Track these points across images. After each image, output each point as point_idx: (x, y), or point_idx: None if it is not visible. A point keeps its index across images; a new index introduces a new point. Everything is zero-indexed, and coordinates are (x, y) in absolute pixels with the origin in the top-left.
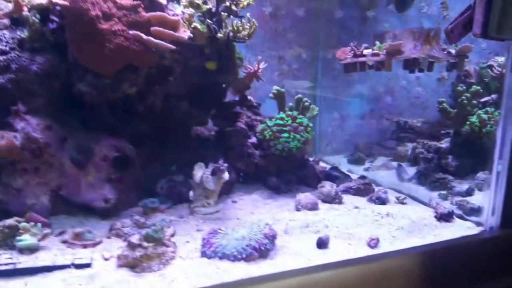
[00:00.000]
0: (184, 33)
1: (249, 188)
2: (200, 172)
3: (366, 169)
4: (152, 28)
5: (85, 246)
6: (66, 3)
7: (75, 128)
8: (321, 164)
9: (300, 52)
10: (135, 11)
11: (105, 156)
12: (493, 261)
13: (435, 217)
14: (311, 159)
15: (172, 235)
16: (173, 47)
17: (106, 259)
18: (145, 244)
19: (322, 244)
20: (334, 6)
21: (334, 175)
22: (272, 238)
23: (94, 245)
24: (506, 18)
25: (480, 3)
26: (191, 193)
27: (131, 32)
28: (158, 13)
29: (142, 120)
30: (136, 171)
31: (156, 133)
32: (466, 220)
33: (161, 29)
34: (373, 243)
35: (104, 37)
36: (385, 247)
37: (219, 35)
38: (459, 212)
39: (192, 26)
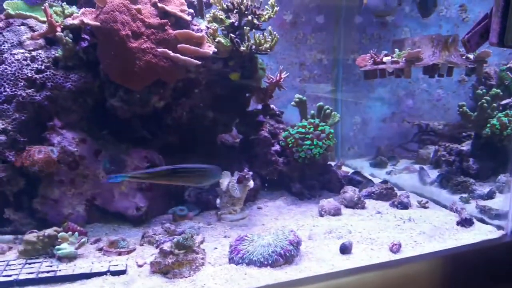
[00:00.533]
0: (209, 48)
1: (273, 194)
2: (226, 180)
3: (389, 173)
4: (179, 46)
5: (120, 254)
6: (97, 23)
7: (107, 141)
8: (344, 168)
9: (321, 57)
10: (163, 29)
11: (136, 166)
12: None
13: (457, 222)
14: (333, 163)
15: (201, 242)
16: (199, 62)
17: (140, 266)
18: (176, 251)
19: (345, 249)
20: (353, 12)
21: (357, 180)
22: (296, 244)
23: (128, 252)
24: None
25: (497, 12)
26: (218, 201)
27: (159, 49)
28: (184, 30)
29: (170, 131)
30: None
31: (183, 143)
32: (487, 224)
33: (187, 46)
34: (395, 248)
35: (134, 55)
36: (407, 252)
37: (242, 48)
38: (480, 216)
39: (216, 40)
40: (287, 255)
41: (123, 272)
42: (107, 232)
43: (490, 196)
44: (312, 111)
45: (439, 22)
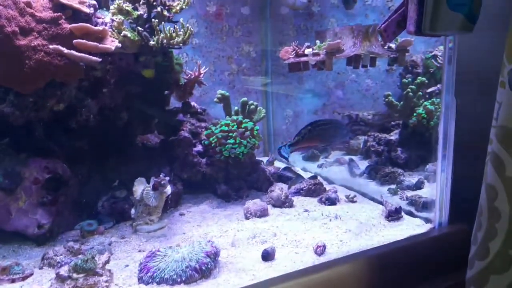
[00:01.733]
0: (112, 43)
1: (198, 198)
2: (140, 187)
3: (320, 166)
4: (75, 41)
5: (13, 281)
6: None
7: (3, 151)
8: (276, 163)
9: (249, 50)
10: (56, 24)
11: (36, 178)
12: (443, 258)
13: (384, 216)
14: (266, 159)
15: (107, 262)
16: (98, 59)
17: None
18: (75, 275)
19: (267, 256)
20: (279, 2)
21: (287, 176)
22: (214, 255)
23: (24, 278)
24: (438, 15)
25: (413, 0)
26: (132, 211)
27: (51, 46)
28: (81, 24)
29: (76, 137)
30: (73, 191)
31: (95, 148)
32: (415, 216)
33: (83, 41)
34: (320, 250)
35: (23, 54)
36: (332, 253)
37: (152, 42)
38: (408, 208)
39: (122, 34)
40: (203, 269)
41: None
42: (5, 254)
43: (418, 186)
44: (236, 107)
45: (366, 12)
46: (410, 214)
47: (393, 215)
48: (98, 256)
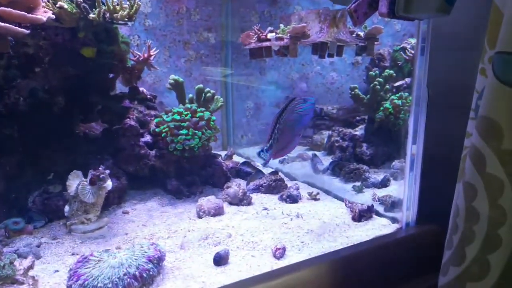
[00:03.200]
0: (44, 14)
1: (145, 194)
2: (75, 181)
3: (281, 161)
4: None
5: None
6: None
7: None
8: (235, 158)
9: (208, 36)
10: None
11: None
12: (411, 261)
13: (353, 218)
14: (224, 153)
15: (30, 267)
16: (25, 31)
17: None
18: None
19: (220, 260)
20: None
21: (245, 171)
22: (158, 260)
23: None
24: None
25: None
26: (66, 208)
27: None
28: None
29: (4, 122)
30: (0, 184)
31: (27, 136)
32: (381, 216)
33: (8, 9)
34: (279, 253)
35: None
36: (292, 256)
37: (92, 15)
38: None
39: (57, 5)
40: (143, 277)
41: None
42: None
43: (384, 184)
44: (191, 95)
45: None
46: (376, 213)
47: (365, 214)
48: (20, 260)
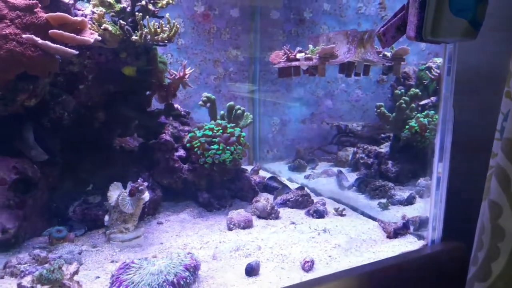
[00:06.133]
0: (90, 36)
1: (177, 206)
2: (116, 192)
3: (307, 177)
4: (50, 31)
5: None
6: None
7: None
8: (262, 173)
9: (237, 54)
10: (31, 12)
11: (2, 179)
12: (436, 277)
13: (388, 237)
14: (250, 167)
15: (76, 273)
16: (74, 51)
17: None
18: (38, 287)
19: (251, 271)
20: (269, 6)
21: (272, 186)
22: (194, 269)
23: None
24: (441, 20)
25: (414, 4)
26: (106, 218)
27: (24, 36)
28: (58, 13)
29: (49, 135)
30: (43, 194)
31: (69, 148)
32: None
33: (59, 31)
34: (308, 266)
35: None
36: (320, 269)
37: (134, 37)
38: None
39: (102, 27)
40: (181, 284)
41: None
42: None
43: (410, 201)
44: (222, 112)
45: (358, 20)
46: None
47: (401, 231)
48: (66, 266)
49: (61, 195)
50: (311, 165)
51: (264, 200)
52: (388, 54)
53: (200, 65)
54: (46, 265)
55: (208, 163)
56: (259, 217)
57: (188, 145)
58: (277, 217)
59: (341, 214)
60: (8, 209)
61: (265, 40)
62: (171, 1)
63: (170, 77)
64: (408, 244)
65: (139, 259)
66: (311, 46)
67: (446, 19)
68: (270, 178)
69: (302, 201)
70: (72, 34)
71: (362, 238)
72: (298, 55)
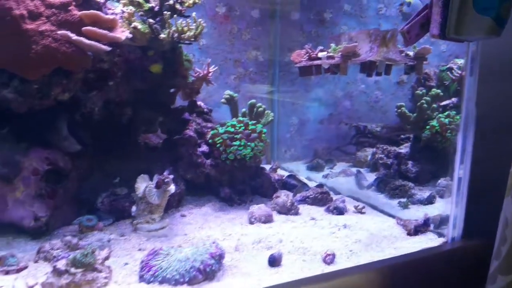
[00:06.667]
0: (122, 34)
1: (200, 200)
2: (143, 184)
3: (325, 176)
4: (84, 28)
5: (7, 272)
6: None
7: (2, 139)
8: (279, 171)
9: (257, 54)
10: (66, 10)
11: (35, 169)
12: (456, 273)
13: (409, 234)
14: (269, 166)
15: (107, 258)
16: (107, 48)
17: (30, 287)
18: (72, 270)
19: (274, 261)
20: (289, 7)
21: (291, 184)
22: (219, 257)
23: (18, 270)
24: (464, 18)
25: (437, 2)
26: (133, 208)
27: (59, 32)
28: (91, 11)
29: (80, 129)
30: (73, 185)
31: (97, 142)
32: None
33: (93, 28)
34: (329, 259)
35: (30, 38)
36: (341, 262)
37: (162, 36)
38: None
39: (132, 26)
40: (207, 271)
41: None
42: None
43: (430, 201)
44: (244, 109)
45: (379, 21)
46: None
47: (421, 228)
48: (98, 251)
49: (90, 186)
50: (329, 165)
51: (285, 196)
52: (411, 53)
53: (221, 65)
54: (81, 250)
55: (230, 160)
56: (279, 212)
57: (210, 141)
58: (297, 213)
59: (360, 211)
60: (40, 198)
61: (285, 40)
62: (197, 1)
63: (195, 75)
64: (429, 241)
65: (167, 247)
66: (333, 45)
67: (470, 17)
68: (289, 176)
69: (322, 199)
70: (104, 31)
71: (382, 234)
72: (320, 54)
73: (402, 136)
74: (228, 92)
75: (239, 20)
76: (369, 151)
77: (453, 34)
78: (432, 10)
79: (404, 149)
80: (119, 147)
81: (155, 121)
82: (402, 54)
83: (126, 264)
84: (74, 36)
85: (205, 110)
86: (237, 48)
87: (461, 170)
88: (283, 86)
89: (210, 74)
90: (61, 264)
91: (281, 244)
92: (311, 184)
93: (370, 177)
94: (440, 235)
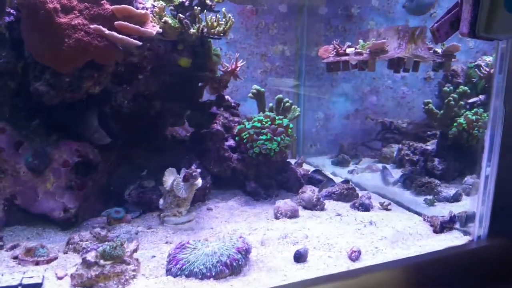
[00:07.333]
0: (153, 28)
1: (226, 194)
2: (171, 178)
3: (351, 172)
4: (116, 22)
5: (37, 263)
6: None
7: (34, 131)
8: (305, 166)
9: (283, 49)
10: (98, 4)
11: (65, 161)
12: (481, 271)
13: (435, 231)
14: (294, 160)
15: (135, 251)
16: (138, 42)
17: (59, 278)
18: (102, 261)
19: (300, 257)
20: (317, 2)
21: (317, 179)
22: (245, 252)
23: (48, 261)
24: (495, 17)
25: (468, 0)
26: (161, 201)
27: (92, 26)
28: (123, 6)
29: (109, 121)
30: (101, 177)
31: (126, 135)
32: (454, 229)
33: (125, 23)
34: (355, 255)
35: (63, 32)
36: (367, 259)
37: (192, 30)
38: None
39: (162, 20)
40: (233, 265)
41: (38, 285)
42: (29, 236)
43: (456, 198)
44: (271, 104)
45: (406, 17)
46: None
47: (447, 225)
48: (127, 243)
49: (118, 178)
50: (355, 160)
51: (310, 191)
52: (439, 50)
53: (248, 59)
54: (108, 242)
55: (256, 153)
56: (305, 208)
57: (237, 138)
58: (322, 209)
59: (386, 208)
60: (70, 189)
61: (312, 35)
62: None
63: (223, 69)
64: (454, 239)
65: (194, 241)
66: (361, 41)
67: (500, 16)
68: (315, 171)
69: (347, 194)
70: (136, 26)
71: (408, 232)
72: (348, 50)
73: (429, 132)
74: (255, 86)
75: (266, 15)
76: (395, 147)
77: (483, 32)
78: (462, 8)
79: (430, 145)
80: (147, 140)
81: (183, 114)
82: (431, 51)
83: (154, 256)
84: (106, 31)
85: (233, 104)
86: (264, 43)
87: (488, 167)
88: (309, 80)
89: (238, 69)
90: (90, 256)
91: (307, 240)
92: (337, 180)
93: (396, 173)
94: (466, 233)
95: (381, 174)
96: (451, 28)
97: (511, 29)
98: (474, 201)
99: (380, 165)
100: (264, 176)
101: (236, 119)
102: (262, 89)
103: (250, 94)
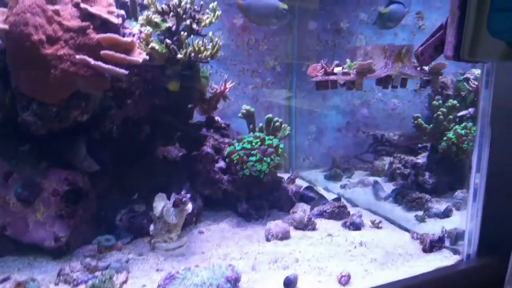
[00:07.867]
0: (139, 56)
1: (217, 215)
2: (160, 204)
3: (343, 187)
4: (102, 52)
5: None
6: (5, 26)
7: (23, 160)
8: (298, 181)
9: (274, 64)
10: (84, 33)
11: (55, 190)
12: None
13: (424, 249)
14: (287, 175)
15: (125, 282)
16: (125, 72)
17: None
18: None
19: (289, 284)
20: (306, 17)
21: (309, 196)
22: (235, 281)
23: None
24: (479, 41)
25: (452, 23)
26: (151, 227)
27: (77, 56)
28: (109, 34)
29: (98, 147)
30: (92, 204)
31: (116, 160)
32: (446, 248)
33: (111, 52)
34: (344, 280)
35: (49, 63)
36: (356, 283)
37: (179, 56)
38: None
39: (149, 46)
40: None
41: None
42: (20, 267)
43: (446, 214)
44: (261, 124)
45: (395, 30)
46: None
47: (436, 244)
48: (116, 275)
49: (108, 203)
50: (347, 174)
51: (301, 211)
52: (426, 68)
53: (239, 76)
54: (99, 275)
55: (245, 175)
56: (296, 228)
57: (227, 160)
58: (314, 229)
59: (377, 226)
60: (60, 218)
61: (302, 50)
62: (213, 20)
63: (212, 91)
64: (444, 259)
65: (183, 269)
66: (348, 61)
67: (484, 40)
68: (307, 188)
69: (339, 213)
70: (122, 55)
71: (398, 252)
72: (336, 69)
73: (420, 145)
74: (245, 107)
75: (256, 31)
76: (387, 159)
77: (467, 56)
78: (447, 32)
79: (421, 159)
80: (138, 163)
81: (173, 136)
82: (417, 69)
83: (144, 286)
84: (92, 61)
85: (223, 125)
86: (254, 59)
87: (477, 180)
88: (301, 94)
89: (227, 90)
90: None
91: (297, 264)
92: (329, 196)
93: (388, 187)
94: (456, 251)
95: (372, 189)
96: (435, 51)
97: (494, 53)
98: (464, 217)
99: (372, 179)
100: (255, 197)
101: (226, 140)
102: (252, 109)
103: (240, 115)
